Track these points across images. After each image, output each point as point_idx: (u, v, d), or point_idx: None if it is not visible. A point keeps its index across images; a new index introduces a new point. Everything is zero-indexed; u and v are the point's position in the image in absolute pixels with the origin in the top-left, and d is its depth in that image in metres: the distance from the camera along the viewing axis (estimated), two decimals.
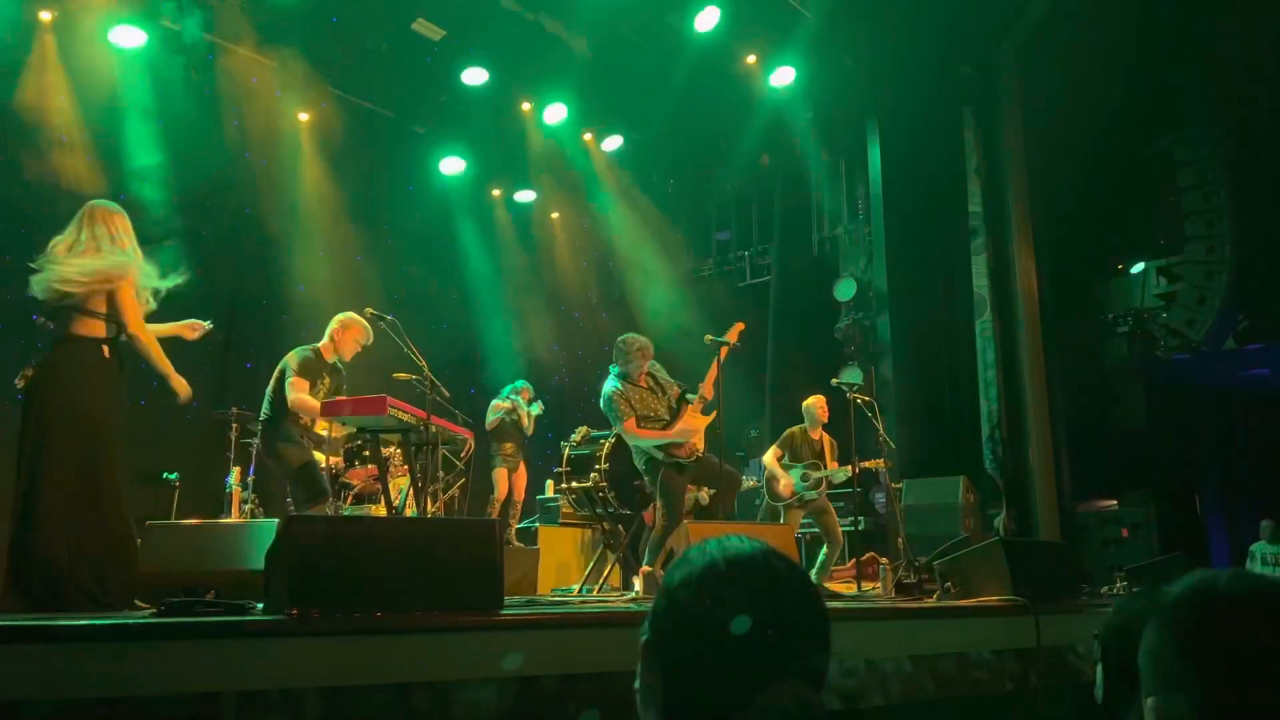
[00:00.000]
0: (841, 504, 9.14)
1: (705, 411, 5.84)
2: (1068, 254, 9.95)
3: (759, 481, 7.67)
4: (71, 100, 7.87)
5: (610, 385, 5.80)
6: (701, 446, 5.78)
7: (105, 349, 3.98)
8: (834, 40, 9.62)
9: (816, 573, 6.99)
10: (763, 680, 1.02)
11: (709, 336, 6.18)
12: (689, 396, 5.86)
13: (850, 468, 7.37)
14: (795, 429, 7.54)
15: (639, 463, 5.81)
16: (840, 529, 7.41)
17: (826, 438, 7.56)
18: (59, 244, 3.97)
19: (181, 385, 4.25)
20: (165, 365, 4.17)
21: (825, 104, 10.57)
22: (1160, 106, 9.56)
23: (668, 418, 5.76)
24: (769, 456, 7.45)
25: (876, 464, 7.33)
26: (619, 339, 5.88)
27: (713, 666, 1.04)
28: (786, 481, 7.32)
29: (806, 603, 1.09)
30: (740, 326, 6.15)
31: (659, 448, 5.64)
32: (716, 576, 1.09)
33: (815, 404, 7.54)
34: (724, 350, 5.94)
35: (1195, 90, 9.42)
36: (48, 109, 7.75)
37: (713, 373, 5.92)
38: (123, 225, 4.12)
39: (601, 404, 5.80)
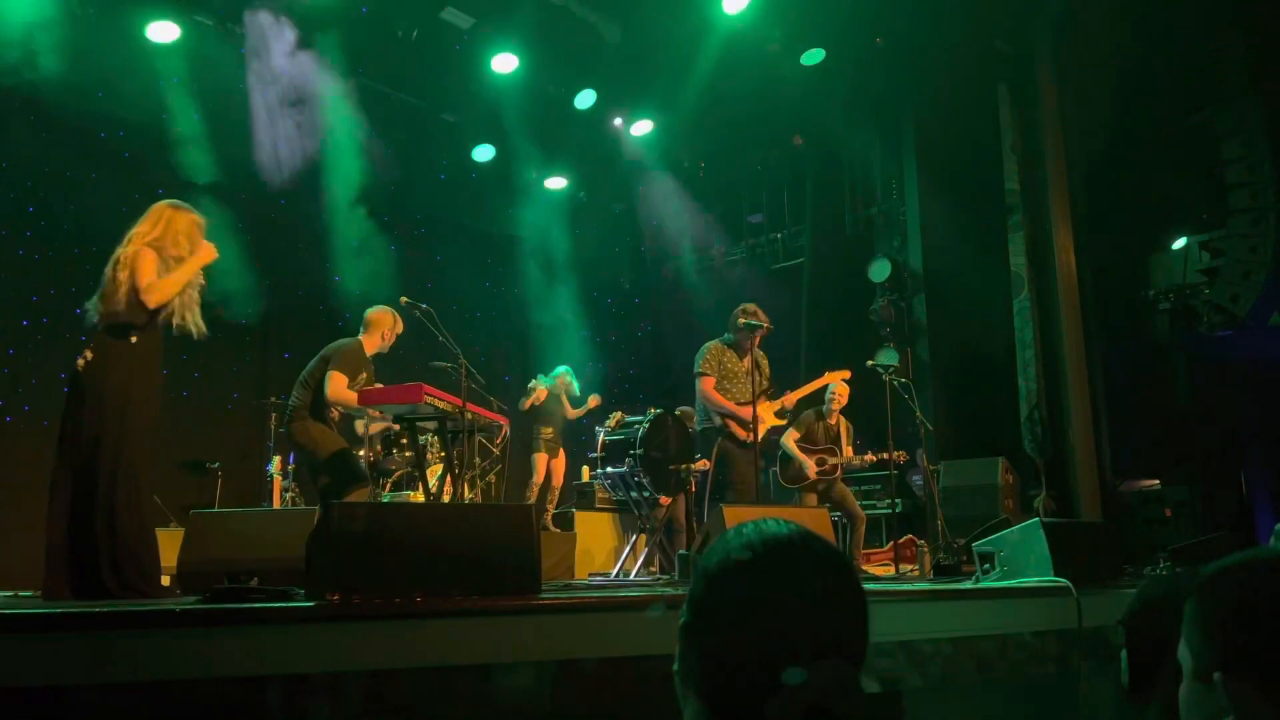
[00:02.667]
0: (879, 486, 9.14)
1: (779, 414, 6.27)
2: (1107, 230, 9.77)
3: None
4: (107, 96, 7.99)
5: (714, 342, 6.11)
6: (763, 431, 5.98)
7: (135, 337, 4.04)
8: (866, 17, 9.50)
9: (850, 552, 6.99)
10: (801, 660, 1.02)
11: (742, 320, 6.20)
12: (770, 393, 6.20)
13: (869, 456, 7.43)
14: (811, 412, 7.56)
15: (702, 424, 6.07)
16: (858, 504, 7.49)
17: (844, 422, 7.58)
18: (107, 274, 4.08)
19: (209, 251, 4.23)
20: (189, 272, 4.15)
21: (857, 83, 10.46)
22: (1201, 77, 9.33)
23: (746, 399, 5.90)
24: (787, 439, 7.48)
25: (898, 455, 7.30)
26: (742, 306, 6.15)
27: (751, 647, 1.04)
28: (809, 465, 7.35)
29: (844, 583, 1.09)
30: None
31: (721, 418, 5.85)
32: (754, 558, 1.09)
33: (838, 390, 7.56)
34: (758, 336, 6.07)
35: (1237, 60, 9.20)
36: (84, 105, 7.87)
37: (807, 389, 6.19)
38: (170, 229, 4.16)
39: (697, 355, 6.10)
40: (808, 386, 6.58)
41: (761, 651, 1.04)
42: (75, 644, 2.38)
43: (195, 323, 4.21)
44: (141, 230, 4.14)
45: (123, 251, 4.08)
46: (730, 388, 5.99)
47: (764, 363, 6.29)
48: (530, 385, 8.93)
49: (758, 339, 6.13)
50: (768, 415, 6.11)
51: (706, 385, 5.98)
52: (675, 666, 1.14)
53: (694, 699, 1.10)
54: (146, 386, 4.02)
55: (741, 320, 6.07)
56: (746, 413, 5.88)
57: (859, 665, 1.07)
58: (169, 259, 4.11)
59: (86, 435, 3.88)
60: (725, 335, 6.16)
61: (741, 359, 6.08)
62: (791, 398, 6.33)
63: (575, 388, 9.06)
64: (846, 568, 1.11)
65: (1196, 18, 8.92)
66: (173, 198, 4.37)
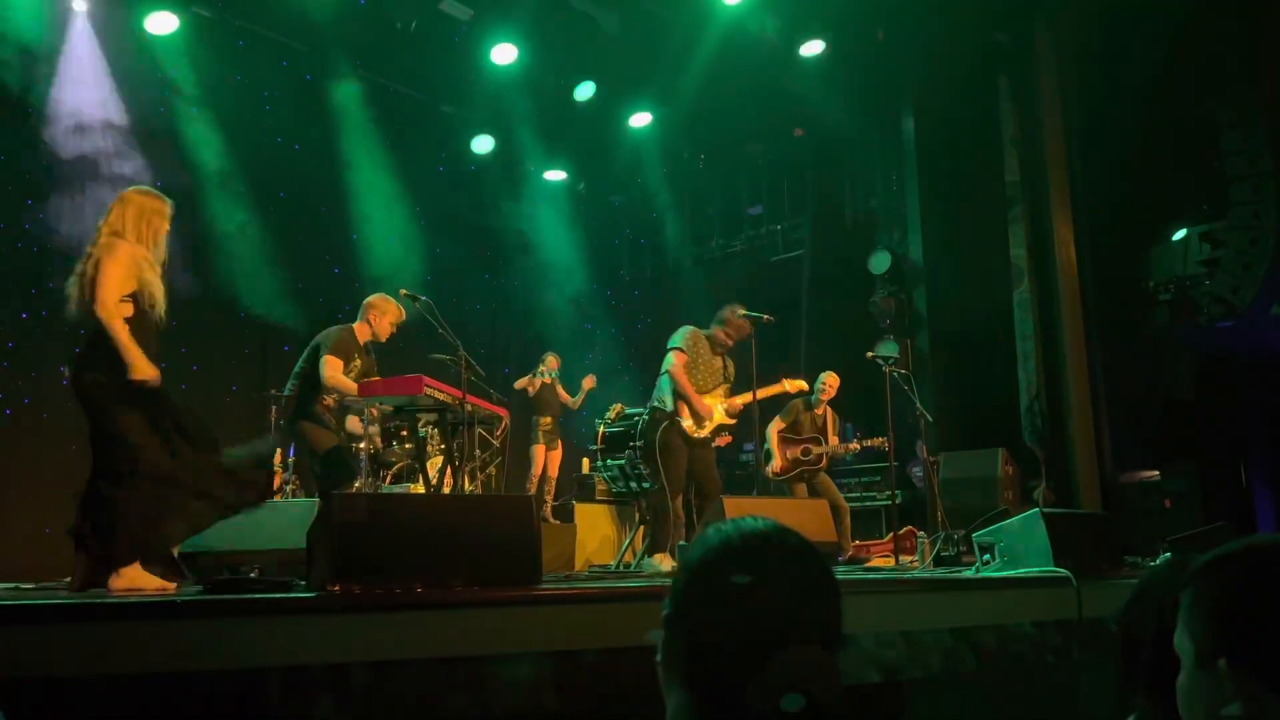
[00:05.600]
0: (878, 477, 9.15)
1: (730, 415, 6.02)
2: (1107, 222, 9.76)
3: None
4: (105, 88, 7.97)
5: (694, 327, 5.98)
6: (705, 432, 5.85)
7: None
8: (866, 9, 9.48)
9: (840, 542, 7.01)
10: (777, 646, 1.08)
11: (742, 311, 6.19)
12: (728, 394, 6.04)
13: (853, 444, 7.44)
14: (799, 401, 7.57)
15: (652, 403, 5.92)
16: (841, 496, 7.49)
17: (830, 412, 7.60)
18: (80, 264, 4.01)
19: (145, 371, 3.89)
20: (131, 353, 3.85)
21: (857, 74, 10.43)
22: (1202, 68, 9.31)
23: (706, 392, 5.85)
24: (771, 428, 7.49)
25: (879, 442, 7.29)
26: (735, 305, 6.05)
27: (732, 635, 1.10)
28: (776, 461, 7.37)
29: (816, 573, 1.15)
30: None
31: (672, 404, 5.74)
32: (732, 551, 1.15)
33: (828, 381, 7.58)
34: (734, 340, 6.05)
35: (1239, 52, 9.17)
36: (82, 98, 7.85)
37: (751, 398, 6.04)
38: (133, 212, 4.06)
39: (675, 333, 5.95)
40: (763, 391, 6.24)
41: (741, 639, 1.09)
42: (75, 635, 2.38)
43: (159, 304, 4.05)
44: (110, 221, 4.05)
45: (90, 246, 4.00)
46: (696, 376, 5.87)
47: (731, 366, 6.16)
48: (533, 374, 8.99)
49: (732, 343, 6.05)
50: (719, 414, 5.95)
51: (678, 361, 5.81)
52: (658, 657, 1.19)
53: (677, 688, 1.15)
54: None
55: (732, 320, 5.97)
56: (702, 405, 5.77)
57: (834, 651, 1.13)
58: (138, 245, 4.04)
59: (93, 437, 3.88)
60: (709, 327, 6.07)
61: (714, 353, 6.00)
62: (738, 403, 6.06)
63: (556, 371, 9.09)
64: (818, 559, 1.17)
65: (1197, 9, 8.90)
66: (159, 189, 4.32)
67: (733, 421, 6.10)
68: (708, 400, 5.86)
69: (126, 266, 3.93)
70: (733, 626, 1.10)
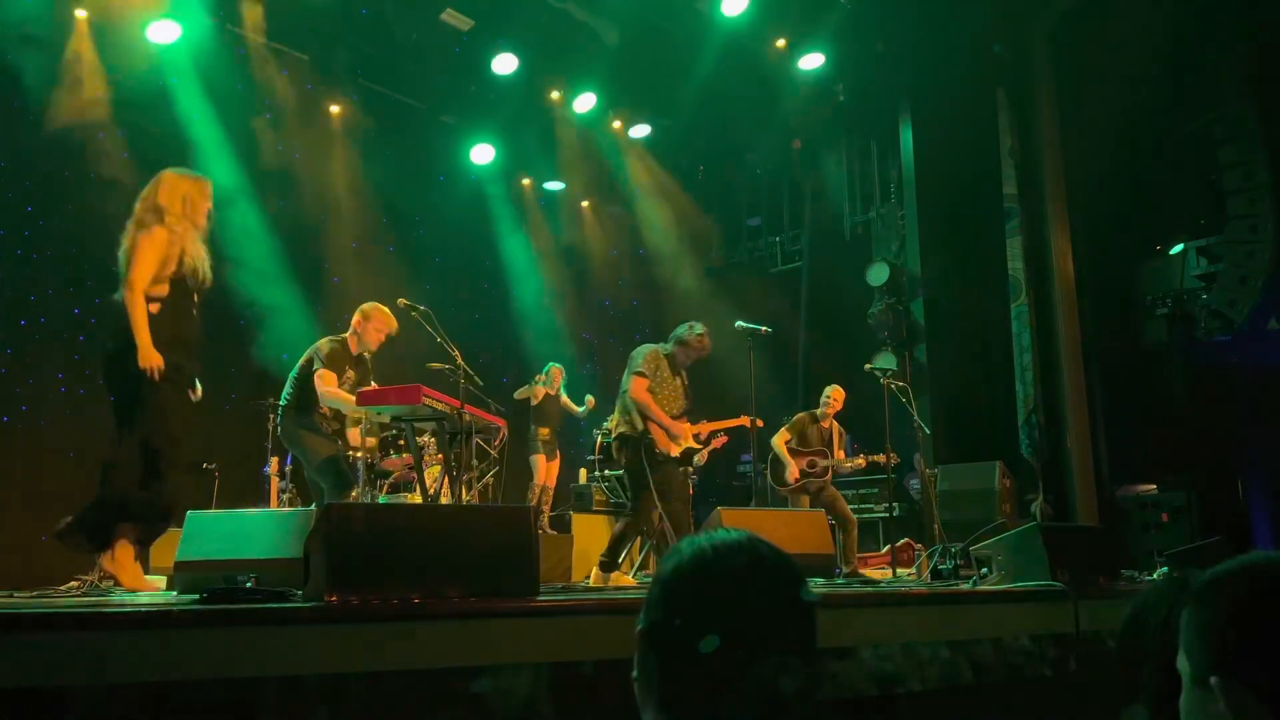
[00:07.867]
0: (876, 490, 9.14)
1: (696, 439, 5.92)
2: (1104, 236, 9.79)
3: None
4: (106, 96, 7.98)
5: (654, 346, 5.81)
6: (677, 451, 5.75)
7: (155, 307, 4.15)
8: (865, 22, 9.51)
9: (844, 556, 6.98)
10: (750, 657, 1.06)
11: (739, 323, 6.19)
12: (690, 413, 5.93)
13: (860, 460, 7.43)
14: (805, 415, 7.58)
15: (620, 428, 5.74)
16: (849, 509, 7.44)
17: (836, 426, 7.59)
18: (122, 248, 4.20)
19: (148, 358, 4.08)
20: (142, 337, 4.05)
21: (856, 87, 10.47)
22: (1199, 83, 9.35)
23: (671, 414, 5.75)
24: (777, 440, 7.48)
25: (884, 458, 7.22)
26: (692, 324, 5.83)
27: (705, 649, 1.08)
28: (792, 468, 7.36)
29: (788, 583, 1.14)
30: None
31: (644, 428, 5.61)
32: (704, 563, 1.13)
33: (833, 394, 7.57)
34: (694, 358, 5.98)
35: (1235, 65, 9.22)
36: (84, 105, 7.87)
37: (722, 425, 6.08)
38: (171, 193, 4.25)
39: (633, 353, 5.77)
40: (724, 423, 6.20)
41: (715, 653, 1.07)
42: (72, 644, 2.38)
43: (204, 274, 4.30)
44: (144, 195, 4.26)
45: (130, 224, 4.20)
46: (659, 399, 5.66)
47: (686, 381, 5.96)
48: (532, 382, 8.96)
49: (690, 362, 5.86)
50: (689, 436, 5.77)
51: (640, 386, 5.58)
52: (634, 674, 1.16)
53: (652, 706, 1.13)
54: (168, 354, 4.11)
55: (690, 339, 5.74)
56: (676, 425, 5.62)
57: (809, 657, 1.11)
58: (170, 225, 4.19)
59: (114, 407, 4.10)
60: (665, 345, 5.84)
61: (674, 374, 5.79)
62: (705, 428, 6.00)
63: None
64: (792, 569, 1.15)
65: (1194, 24, 8.95)
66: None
67: (698, 445, 6.00)
68: (678, 423, 5.72)
69: (162, 248, 4.09)
70: (704, 638, 1.08)
